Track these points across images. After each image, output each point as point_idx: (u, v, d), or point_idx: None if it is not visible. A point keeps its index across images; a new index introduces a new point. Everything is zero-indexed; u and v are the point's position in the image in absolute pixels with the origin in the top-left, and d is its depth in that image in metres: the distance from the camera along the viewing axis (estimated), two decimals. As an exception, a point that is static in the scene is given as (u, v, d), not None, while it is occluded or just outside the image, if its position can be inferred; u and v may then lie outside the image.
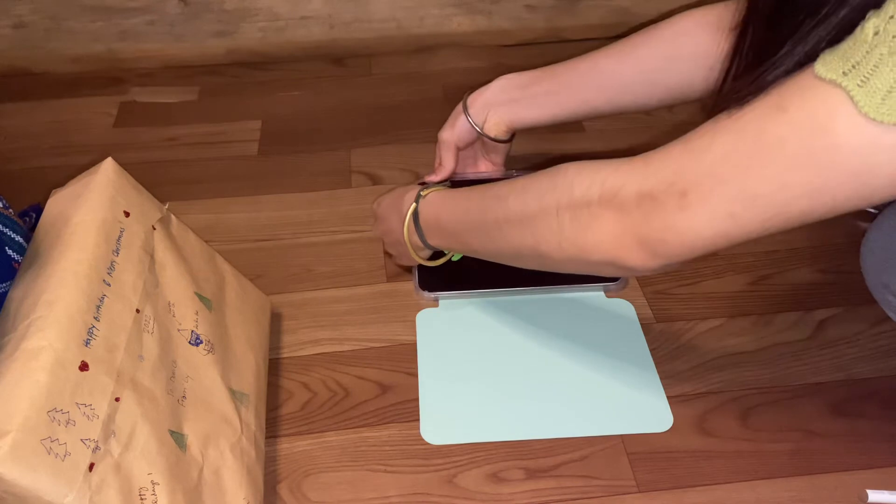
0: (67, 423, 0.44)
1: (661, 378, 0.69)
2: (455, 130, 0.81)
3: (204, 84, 1.14)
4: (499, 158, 0.85)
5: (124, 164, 0.60)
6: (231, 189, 0.93)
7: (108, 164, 0.59)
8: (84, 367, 0.47)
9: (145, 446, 0.49)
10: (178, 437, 0.52)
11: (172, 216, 0.62)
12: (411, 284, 0.79)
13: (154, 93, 1.12)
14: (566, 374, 0.70)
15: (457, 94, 1.11)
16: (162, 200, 0.61)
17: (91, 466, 0.45)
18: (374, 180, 0.94)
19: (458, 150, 0.82)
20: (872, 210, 0.84)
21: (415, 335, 0.74)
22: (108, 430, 0.47)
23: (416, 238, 0.70)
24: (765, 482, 0.61)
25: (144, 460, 0.48)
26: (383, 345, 0.73)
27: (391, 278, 0.80)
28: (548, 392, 0.68)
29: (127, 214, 0.57)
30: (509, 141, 0.82)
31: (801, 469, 0.62)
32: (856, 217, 0.86)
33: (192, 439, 0.53)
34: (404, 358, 0.72)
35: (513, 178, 0.63)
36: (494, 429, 0.66)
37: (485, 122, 0.79)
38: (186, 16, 1.14)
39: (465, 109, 0.80)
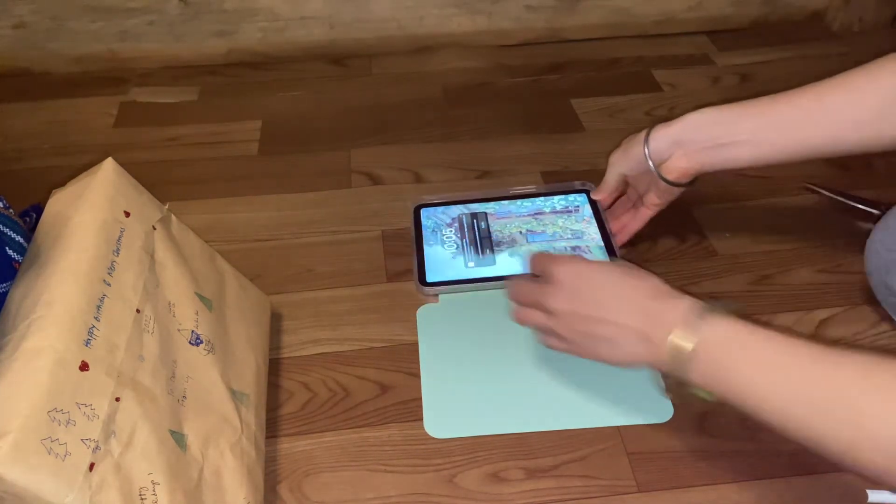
0: (68, 423, 0.44)
1: (661, 375, 0.69)
2: (627, 158, 0.73)
3: (204, 84, 1.14)
4: (665, 199, 0.74)
5: (124, 164, 0.60)
6: (231, 189, 0.93)
7: (109, 165, 0.59)
8: (84, 367, 0.47)
9: (145, 446, 0.49)
10: (179, 437, 0.52)
11: (173, 216, 0.62)
12: (412, 284, 0.79)
13: (154, 93, 1.12)
14: (567, 366, 0.69)
15: (457, 94, 1.12)
16: (162, 200, 0.62)
17: (91, 466, 0.45)
18: (374, 180, 0.95)
19: (625, 177, 0.76)
20: (876, 211, 0.84)
21: (415, 335, 0.74)
22: (109, 430, 0.47)
23: (679, 367, 0.53)
24: (765, 482, 0.61)
25: (145, 460, 0.48)
26: (383, 345, 0.73)
27: (391, 278, 0.80)
28: (549, 384, 0.68)
29: (127, 214, 0.57)
30: (688, 185, 0.72)
31: (801, 469, 0.61)
32: (857, 217, 0.86)
33: (193, 439, 0.53)
34: (404, 358, 0.72)
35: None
36: (497, 422, 0.66)
37: (666, 160, 0.70)
38: (186, 16, 1.14)
39: (646, 140, 0.70)
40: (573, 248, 0.80)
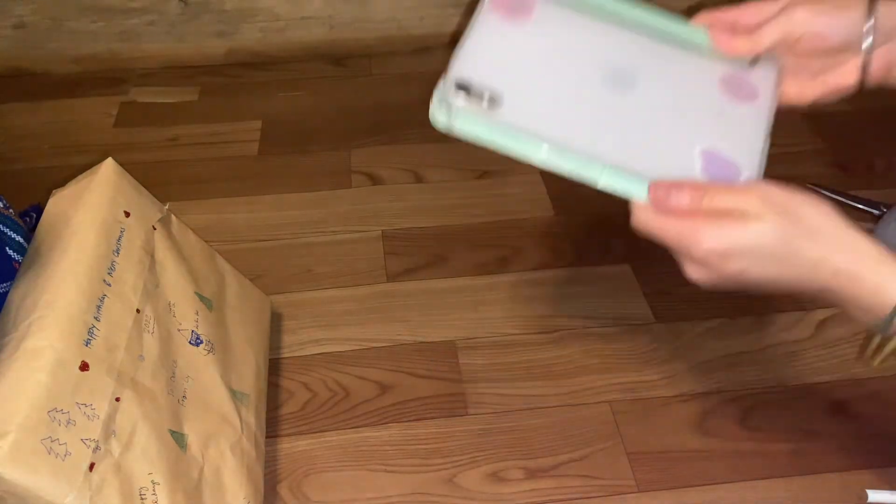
0: (68, 422, 0.44)
1: (660, 377, 0.69)
2: (834, 21, 0.48)
3: (204, 84, 1.14)
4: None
5: (124, 165, 0.60)
6: (231, 189, 0.93)
7: (109, 165, 0.59)
8: (84, 367, 0.47)
9: (146, 446, 0.49)
10: (179, 437, 0.52)
11: (173, 216, 0.62)
12: (412, 284, 0.79)
13: (154, 93, 1.12)
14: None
15: (457, 94, 1.12)
16: (162, 200, 0.62)
17: (91, 466, 0.45)
18: (374, 180, 0.95)
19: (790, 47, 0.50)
20: (875, 211, 0.84)
21: (415, 335, 0.73)
22: (109, 430, 0.47)
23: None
24: (765, 482, 0.61)
25: (145, 460, 0.48)
26: (383, 345, 0.73)
27: (391, 278, 0.80)
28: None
29: (127, 214, 0.57)
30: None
31: (801, 469, 0.62)
32: (856, 218, 0.86)
33: (193, 439, 0.53)
34: (404, 358, 0.72)
35: None
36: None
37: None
38: (186, 16, 1.14)
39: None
40: None
